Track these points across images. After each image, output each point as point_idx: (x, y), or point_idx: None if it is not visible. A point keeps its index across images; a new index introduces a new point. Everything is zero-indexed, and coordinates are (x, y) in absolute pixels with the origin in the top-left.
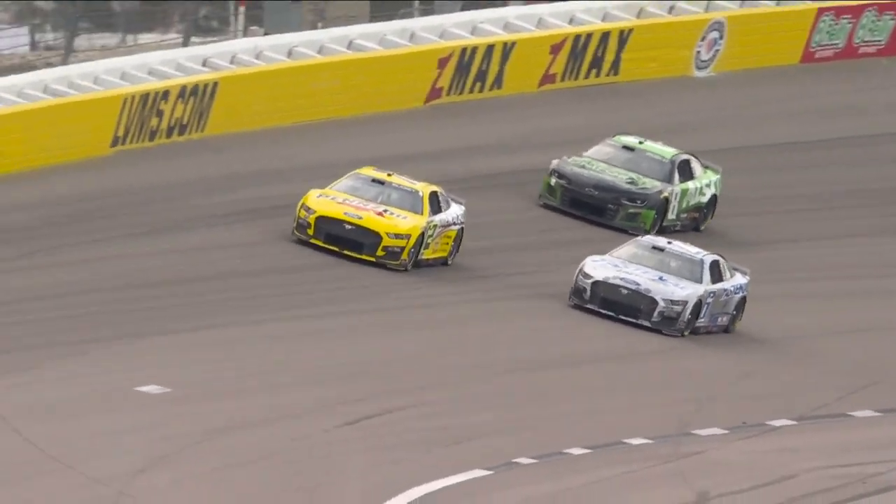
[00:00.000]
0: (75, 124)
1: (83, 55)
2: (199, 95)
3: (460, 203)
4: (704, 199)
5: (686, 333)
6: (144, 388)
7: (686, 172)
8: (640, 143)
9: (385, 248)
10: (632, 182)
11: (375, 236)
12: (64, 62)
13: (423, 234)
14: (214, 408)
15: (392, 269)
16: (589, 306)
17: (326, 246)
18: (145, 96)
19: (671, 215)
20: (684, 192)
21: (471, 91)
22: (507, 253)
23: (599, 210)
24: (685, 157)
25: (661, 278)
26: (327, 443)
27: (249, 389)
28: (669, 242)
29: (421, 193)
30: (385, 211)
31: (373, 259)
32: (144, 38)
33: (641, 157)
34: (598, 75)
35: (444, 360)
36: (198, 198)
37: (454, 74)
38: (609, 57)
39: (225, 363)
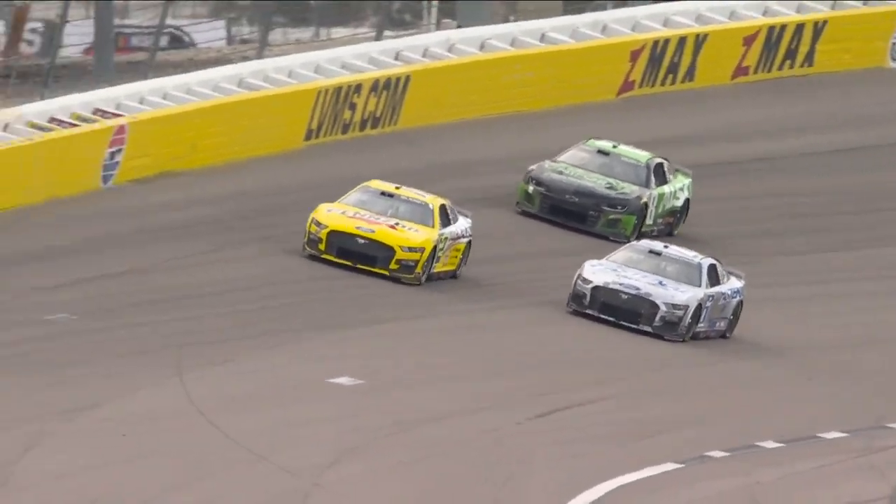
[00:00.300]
0: (270, 118)
1: (278, 49)
2: (392, 89)
3: (466, 216)
4: (678, 204)
5: (687, 339)
6: (337, 380)
7: (660, 176)
8: (614, 147)
9: (399, 262)
10: (611, 187)
11: (389, 250)
12: (259, 56)
13: (435, 248)
14: (405, 399)
15: (406, 284)
16: (588, 312)
17: (339, 261)
18: (339, 90)
19: (649, 220)
20: (661, 197)
21: (662, 83)
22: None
23: (580, 217)
24: (658, 160)
25: (660, 282)
26: (516, 435)
27: (439, 381)
28: (666, 246)
29: (431, 206)
30: (397, 224)
31: (386, 273)
32: (338, 32)
33: (616, 161)
34: (791, 67)
35: (618, 354)
36: None
37: (646, 67)
38: (803, 48)
39: (416, 355)
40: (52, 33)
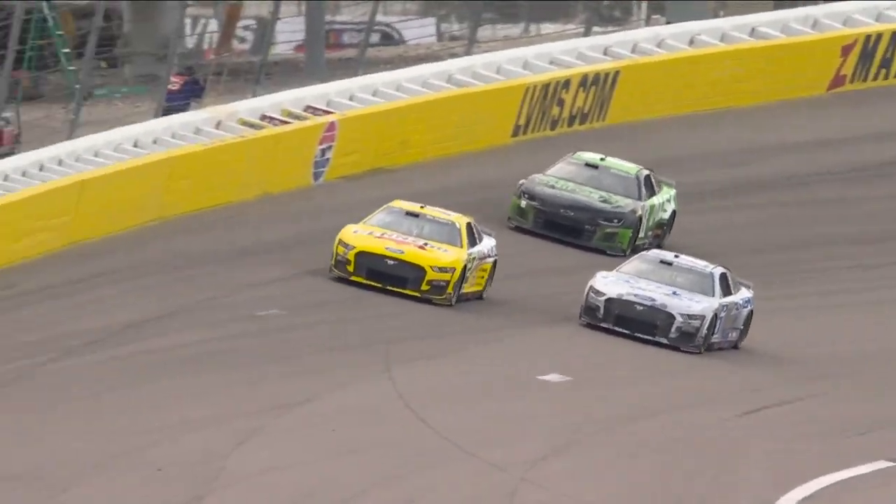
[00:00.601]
0: (478, 114)
1: (486, 46)
2: (601, 84)
3: (490, 235)
4: (666, 216)
5: (703, 350)
6: (546, 377)
7: (650, 188)
8: (602, 159)
9: (430, 283)
10: (605, 201)
11: (419, 270)
12: (468, 53)
13: (465, 267)
14: (613, 396)
15: (437, 305)
16: (603, 325)
17: (368, 282)
18: (547, 86)
19: (641, 233)
20: (652, 209)
21: (875, 78)
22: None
23: (576, 231)
24: (646, 172)
25: (674, 293)
26: (725, 432)
27: (645, 378)
28: (676, 256)
29: (458, 225)
30: (425, 244)
31: (417, 294)
32: (547, 28)
33: (606, 174)
34: None
35: (821, 350)
36: None
37: (858, 62)
38: None
39: (622, 352)
40: (264, 30)
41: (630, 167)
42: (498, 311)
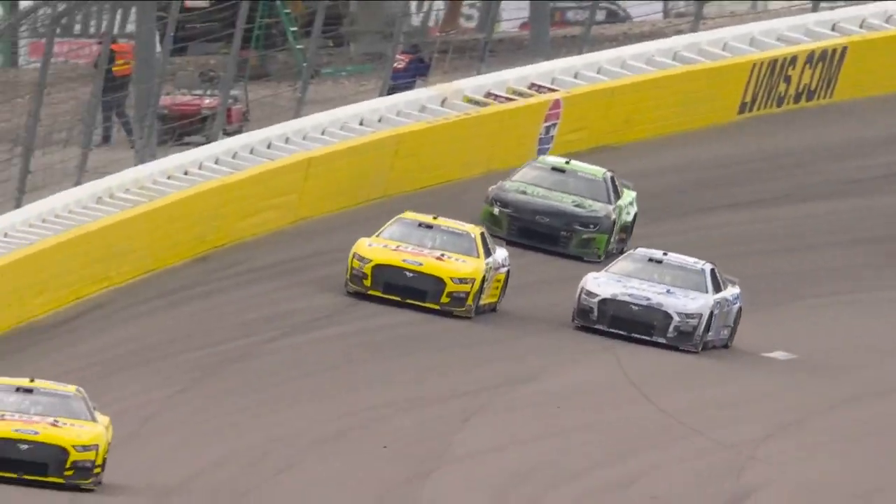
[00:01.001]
0: (703, 91)
1: (713, 22)
2: (828, 61)
3: (502, 246)
4: (629, 219)
5: (700, 349)
6: (771, 355)
7: (615, 191)
8: (567, 163)
9: (450, 295)
10: (579, 205)
11: (439, 282)
12: (693, 29)
13: (484, 278)
14: (841, 375)
15: (458, 317)
16: (597, 327)
17: (386, 296)
18: (774, 62)
19: (613, 237)
20: (619, 212)
21: None
22: None
23: (552, 238)
24: (610, 173)
25: (668, 291)
26: None
27: (871, 357)
28: (665, 254)
29: (473, 235)
30: (442, 255)
31: (437, 307)
32: (774, 4)
33: (573, 177)
34: None
35: None
36: (827, 164)
37: None
38: None
39: (848, 331)
40: (490, 8)
41: (596, 170)
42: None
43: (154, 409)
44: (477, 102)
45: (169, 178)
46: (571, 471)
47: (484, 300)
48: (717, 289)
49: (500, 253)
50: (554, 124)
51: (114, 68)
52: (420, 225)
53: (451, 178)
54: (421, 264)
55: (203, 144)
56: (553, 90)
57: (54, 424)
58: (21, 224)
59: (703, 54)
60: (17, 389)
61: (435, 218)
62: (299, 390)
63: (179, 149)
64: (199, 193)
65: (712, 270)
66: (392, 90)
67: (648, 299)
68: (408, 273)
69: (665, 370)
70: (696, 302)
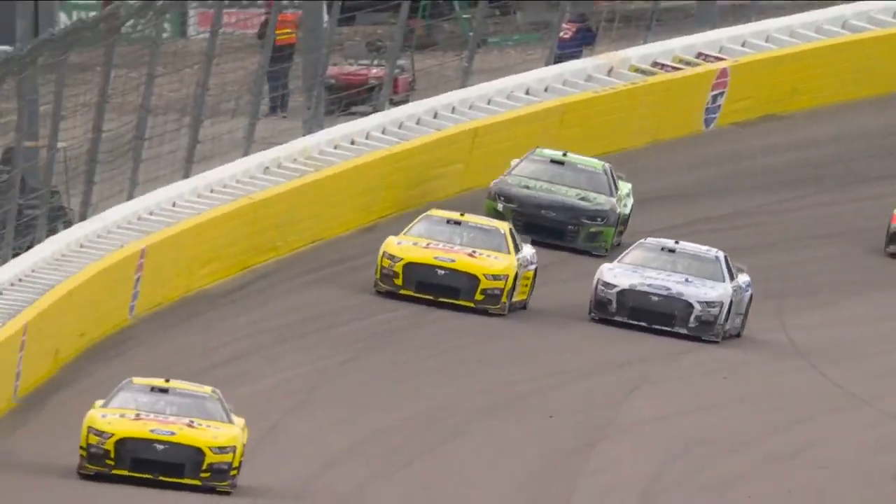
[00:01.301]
0: (874, 60)
1: None
2: None
3: (527, 242)
4: (627, 211)
5: (720, 339)
6: None
7: (614, 182)
8: (565, 155)
9: (483, 292)
10: (584, 199)
11: (472, 279)
12: None
13: (517, 274)
14: None
15: (494, 315)
16: (616, 318)
17: (418, 295)
18: None
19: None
20: (620, 204)
21: None
22: None
23: (559, 233)
24: (609, 165)
25: (686, 280)
26: None
27: None
28: (677, 242)
29: (502, 231)
30: (473, 252)
31: (472, 305)
32: None
33: (572, 170)
34: None
35: None
36: None
37: None
38: None
39: None
40: None
41: (595, 162)
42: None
43: (318, 378)
44: (643, 72)
45: (336, 148)
46: (737, 440)
47: (514, 297)
48: (731, 276)
49: (528, 249)
50: (721, 93)
51: (277, 38)
52: (448, 222)
53: (617, 147)
54: (453, 261)
55: (370, 114)
56: (720, 59)
57: (190, 425)
58: (189, 194)
59: (872, 22)
60: (152, 389)
61: (462, 214)
62: (462, 361)
63: (346, 119)
64: (366, 163)
65: (726, 258)
66: (558, 59)
67: (668, 289)
68: (440, 270)
69: (833, 340)
70: (715, 290)
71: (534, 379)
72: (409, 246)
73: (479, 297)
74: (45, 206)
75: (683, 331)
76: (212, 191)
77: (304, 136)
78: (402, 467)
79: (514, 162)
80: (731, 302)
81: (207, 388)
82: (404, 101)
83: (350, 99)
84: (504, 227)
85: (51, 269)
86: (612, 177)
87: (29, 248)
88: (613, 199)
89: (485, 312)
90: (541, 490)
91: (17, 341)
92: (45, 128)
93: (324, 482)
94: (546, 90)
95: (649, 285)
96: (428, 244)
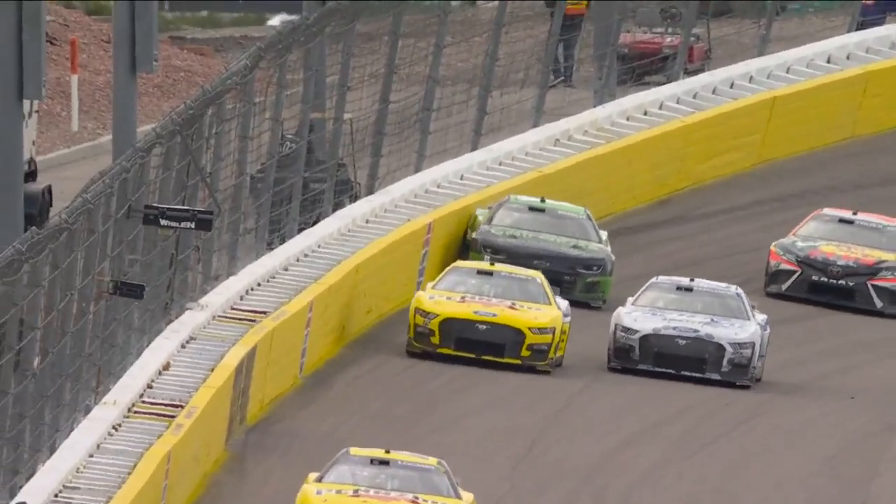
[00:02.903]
0: None
1: None
2: None
3: (557, 293)
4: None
5: (754, 383)
6: None
7: (597, 229)
8: (543, 200)
9: (530, 347)
10: (576, 247)
11: (518, 334)
12: None
13: (563, 328)
14: None
15: (540, 372)
16: (641, 367)
17: (458, 354)
18: None
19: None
20: None
21: None
22: None
23: (554, 283)
24: (587, 210)
25: (712, 320)
26: None
27: None
28: (692, 280)
29: (539, 280)
30: (513, 304)
31: (518, 362)
32: None
33: (555, 216)
34: None
35: None
36: None
37: None
38: None
39: None
40: None
41: (575, 207)
42: None
43: (594, 377)
44: None
45: (628, 119)
46: None
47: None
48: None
49: (562, 302)
50: None
51: (567, 7)
52: (479, 273)
53: None
54: (495, 315)
55: (663, 84)
56: None
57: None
58: (478, 166)
59: None
60: (372, 462)
61: (492, 264)
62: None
63: (639, 89)
64: (660, 135)
65: (743, 294)
66: (861, 26)
67: (696, 331)
68: (481, 326)
69: None
70: (745, 330)
71: (830, 355)
72: (442, 301)
73: (525, 353)
74: (331, 180)
75: (716, 376)
76: (500, 163)
77: (594, 107)
78: (699, 449)
79: (478, 210)
80: (762, 342)
81: (433, 460)
82: (700, 71)
83: (643, 68)
84: (539, 275)
85: (337, 245)
86: (594, 222)
87: (315, 222)
88: (607, 248)
89: (532, 370)
90: (842, 473)
91: (303, 318)
92: (332, 99)
93: (619, 460)
94: (848, 58)
95: (674, 328)
96: (463, 297)
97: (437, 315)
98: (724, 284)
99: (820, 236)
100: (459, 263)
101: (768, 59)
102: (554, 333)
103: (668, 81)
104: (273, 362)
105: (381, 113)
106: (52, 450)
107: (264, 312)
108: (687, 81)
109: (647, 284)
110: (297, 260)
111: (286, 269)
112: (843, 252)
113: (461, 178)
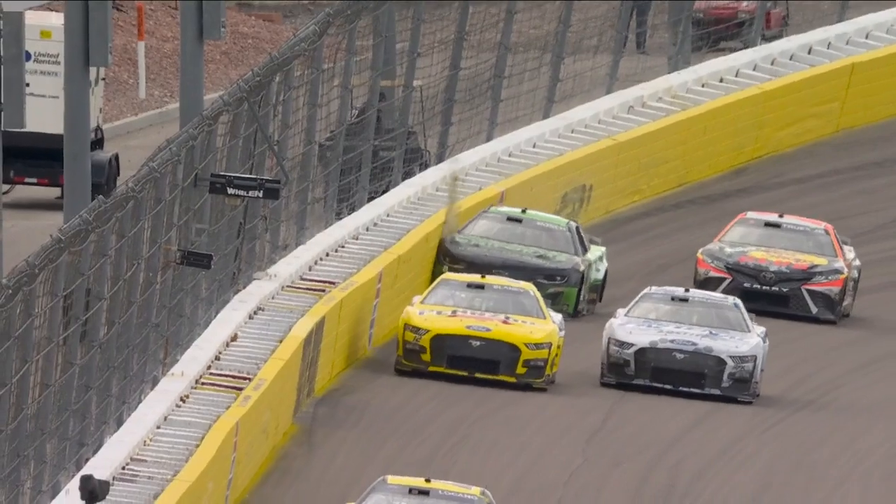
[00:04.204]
0: None
1: None
2: None
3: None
4: (600, 276)
5: (755, 398)
6: None
7: (582, 243)
8: (524, 212)
9: (526, 364)
10: (541, 256)
11: (513, 350)
12: None
13: (559, 343)
14: None
15: (537, 389)
16: (637, 382)
17: (451, 372)
18: None
19: (583, 294)
20: (588, 266)
21: None
22: None
23: None
24: (575, 224)
25: (711, 333)
26: None
27: None
28: (687, 290)
29: (532, 293)
30: (507, 318)
31: (513, 380)
32: None
33: (532, 227)
34: None
35: None
36: None
37: None
38: None
39: None
40: None
41: (558, 219)
42: None
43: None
44: None
45: (703, 86)
46: None
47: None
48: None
49: (556, 316)
50: None
51: None
52: (469, 286)
53: None
54: (489, 330)
55: (740, 50)
56: None
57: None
58: (550, 134)
59: None
60: (410, 491)
61: (483, 276)
62: None
63: (714, 55)
64: (736, 102)
65: (741, 304)
66: None
67: (694, 344)
68: (474, 342)
69: None
70: (746, 342)
71: None
72: (433, 316)
73: (521, 369)
74: (401, 148)
75: (716, 391)
76: (573, 131)
77: (669, 73)
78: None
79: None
80: (763, 355)
81: (476, 490)
82: (777, 37)
83: (719, 34)
84: (532, 288)
85: (406, 213)
86: (580, 236)
87: (385, 191)
88: (577, 258)
89: (528, 388)
90: None
91: (371, 288)
92: (402, 66)
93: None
94: None
95: (672, 341)
96: (454, 311)
97: (428, 331)
98: (720, 294)
99: (747, 241)
100: (449, 276)
101: (847, 24)
102: (550, 349)
103: (745, 48)
104: (342, 333)
105: (451, 80)
106: (119, 422)
107: (333, 283)
108: (764, 47)
109: (639, 295)
110: (367, 229)
111: (355, 239)
112: (774, 258)
113: (533, 146)
